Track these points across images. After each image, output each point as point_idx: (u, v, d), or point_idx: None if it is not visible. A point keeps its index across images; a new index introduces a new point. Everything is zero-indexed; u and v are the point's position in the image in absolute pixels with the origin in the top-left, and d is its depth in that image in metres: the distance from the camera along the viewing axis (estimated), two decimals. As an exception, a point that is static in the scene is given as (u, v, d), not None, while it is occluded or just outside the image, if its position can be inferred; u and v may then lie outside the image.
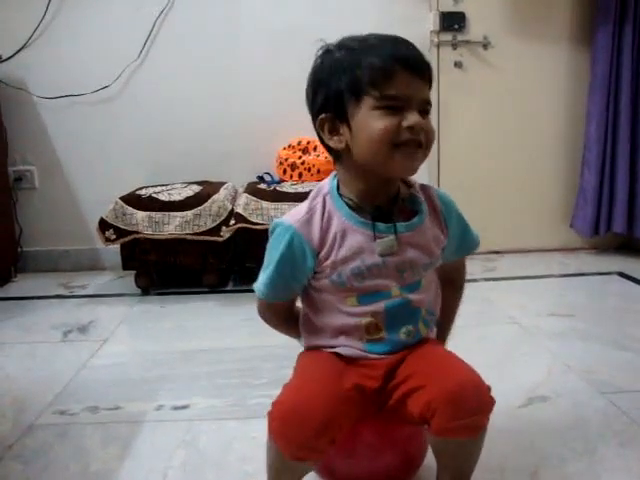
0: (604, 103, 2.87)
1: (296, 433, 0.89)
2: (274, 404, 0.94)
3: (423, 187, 1.06)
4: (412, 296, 1.02)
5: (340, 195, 1.00)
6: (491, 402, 0.96)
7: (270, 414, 0.93)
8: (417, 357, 1.02)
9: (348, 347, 1.03)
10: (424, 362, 1.00)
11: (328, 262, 0.98)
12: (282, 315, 1.13)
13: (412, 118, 0.91)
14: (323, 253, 0.98)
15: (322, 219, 0.98)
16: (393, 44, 0.94)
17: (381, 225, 0.98)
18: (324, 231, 0.98)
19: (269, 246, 1.02)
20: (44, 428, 1.44)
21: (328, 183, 1.03)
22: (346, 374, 0.99)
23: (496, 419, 1.40)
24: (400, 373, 1.00)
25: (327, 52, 0.99)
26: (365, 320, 1.01)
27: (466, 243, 1.12)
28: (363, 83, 0.91)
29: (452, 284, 1.17)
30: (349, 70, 0.93)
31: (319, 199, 1.00)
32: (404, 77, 0.91)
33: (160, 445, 1.35)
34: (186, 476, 1.22)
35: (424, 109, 0.94)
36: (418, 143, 0.93)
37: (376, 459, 1.07)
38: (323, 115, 0.97)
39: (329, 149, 1.01)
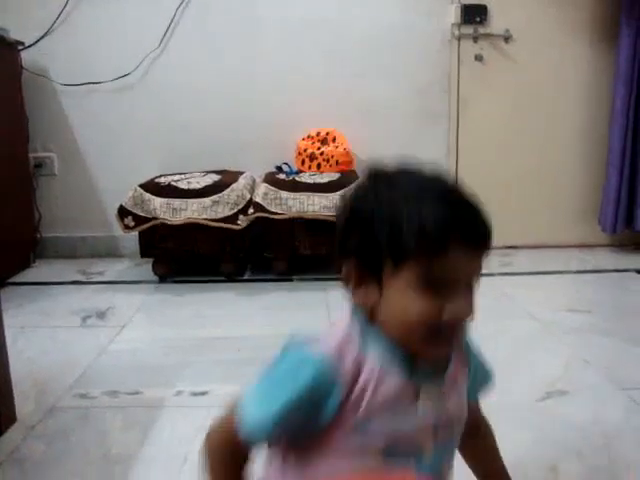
0: (627, 99, 2.84)
1: None
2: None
3: None
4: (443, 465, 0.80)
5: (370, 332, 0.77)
6: None
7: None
8: None
9: None
10: None
11: (356, 411, 0.72)
12: (241, 465, 0.78)
13: (457, 308, 0.71)
14: (353, 398, 0.72)
15: (358, 353, 0.74)
16: (453, 199, 0.73)
17: (422, 374, 0.76)
18: (356, 368, 0.73)
19: (281, 368, 0.74)
20: (65, 410, 1.45)
21: (352, 319, 0.77)
22: None
23: (515, 412, 1.42)
24: None
25: (375, 180, 0.77)
26: None
27: (483, 378, 0.90)
28: (408, 249, 0.70)
29: (478, 429, 0.95)
30: (394, 224, 0.71)
31: (350, 332, 0.76)
32: (459, 252, 0.70)
33: (180, 430, 1.36)
34: (206, 461, 1.23)
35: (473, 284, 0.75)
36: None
37: None
38: (354, 261, 0.75)
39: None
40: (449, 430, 0.78)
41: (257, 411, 0.72)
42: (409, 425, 0.74)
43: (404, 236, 0.70)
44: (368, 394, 0.72)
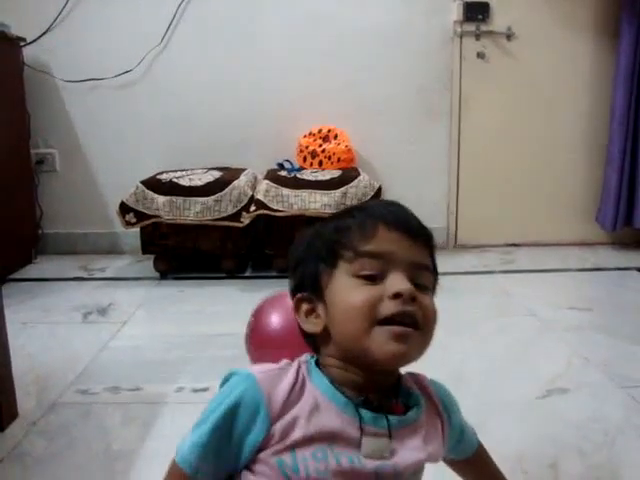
0: (627, 98, 2.84)
1: None
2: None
3: (413, 376, 0.82)
4: None
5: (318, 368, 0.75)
6: None
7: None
8: None
9: None
10: None
11: (285, 439, 0.69)
12: None
13: (397, 282, 0.70)
14: (280, 425, 0.69)
15: (295, 381, 0.72)
16: (382, 206, 0.77)
17: (367, 413, 0.71)
18: (294, 397, 0.71)
19: (214, 398, 0.73)
20: (67, 406, 1.46)
21: (304, 356, 0.78)
22: None
23: (515, 410, 1.42)
24: None
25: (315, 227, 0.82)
26: None
27: (466, 440, 0.89)
28: (337, 245, 0.74)
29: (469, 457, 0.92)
30: (325, 236, 0.76)
31: (294, 363, 0.76)
32: (387, 234, 0.72)
33: (181, 426, 1.33)
34: (207, 457, 1.24)
35: (420, 282, 0.73)
36: (410, 319, 0.70)
37: None
38: (299, 295, 0.78)
39: (305, 336, 0.79)
40: None
41: (189, 438, 0.71)
42: (345, 465, 0.68)
43: (334, 238, 0.74)
44: (301, 422, 0.69)
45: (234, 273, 2.59)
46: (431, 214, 3.08)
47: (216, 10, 2.88)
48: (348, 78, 2.94)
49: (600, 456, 1.23)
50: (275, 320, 1.32)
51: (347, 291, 0.71)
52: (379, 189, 2.51)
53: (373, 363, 0.70)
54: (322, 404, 0.70)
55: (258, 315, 1.42)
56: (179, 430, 1.33)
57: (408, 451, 0.72)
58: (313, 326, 0.75)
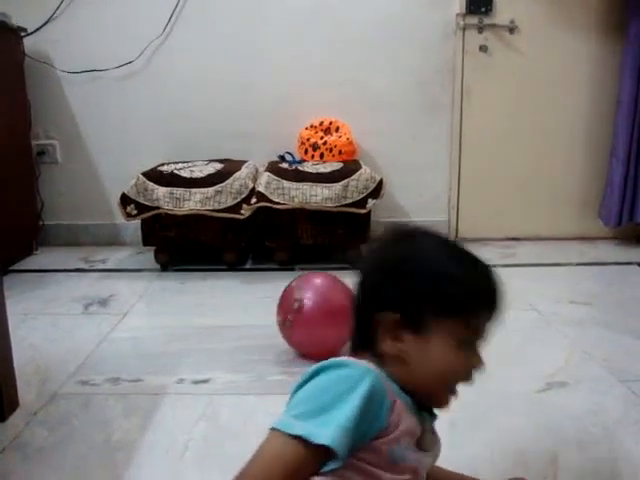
0: (633, 93, 2.82)
1: None
2: None
3: None
4: None
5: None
6: None
7: None
8: None
9: None
10: None
11: (395, 431, 0.75)
12: None
13: (481, 363, 0.82)
14: (395, 415, 0.75)
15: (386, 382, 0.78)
16: (490, 273, 0.84)
17: (423, 414, 0.82)
18: (391, 392, 0.77)
19: (332, 385, 0.73)
20: (67, 397, 1.46)
21: (367, 363, 0.78)
22: None
23: (515, 403, 1.43)
24: None
25: (411, 240, 0.85)
26: None
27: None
28: (461, 305, 0.79)
29: None
30: (447, 281, 0.79)
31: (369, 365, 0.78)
32: (489, 316, 0.83)
33: (181, 418, 1.37)
34: (207, 448, 1.24)
35: None
36: None
37: None
38: (390, 313, 0.79)
39: (368, 345, 0.82)
40: (423, 473, 0.82)
41: (329, 421, 0.70)
42: (422, 457, 0.79)
43: (452, 295, 0.78)
44: (403, 416, 0.76)
45: (235, 265, 2.59)
46: (432, 207, 3.08)
47: (218, 2, 2.86)
48: (350, 71, 2.93)
49: (600, 450, 1.23)
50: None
51: (448, 352, 0.78)
52: (380, 182, 2.50)
53: (427, 402, 0.82)
54: (399, 404, 0.77)
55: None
56: (179, 421, 1.35)
57: (438, 441, 0.86)
58: (391, 348, 0.79)
